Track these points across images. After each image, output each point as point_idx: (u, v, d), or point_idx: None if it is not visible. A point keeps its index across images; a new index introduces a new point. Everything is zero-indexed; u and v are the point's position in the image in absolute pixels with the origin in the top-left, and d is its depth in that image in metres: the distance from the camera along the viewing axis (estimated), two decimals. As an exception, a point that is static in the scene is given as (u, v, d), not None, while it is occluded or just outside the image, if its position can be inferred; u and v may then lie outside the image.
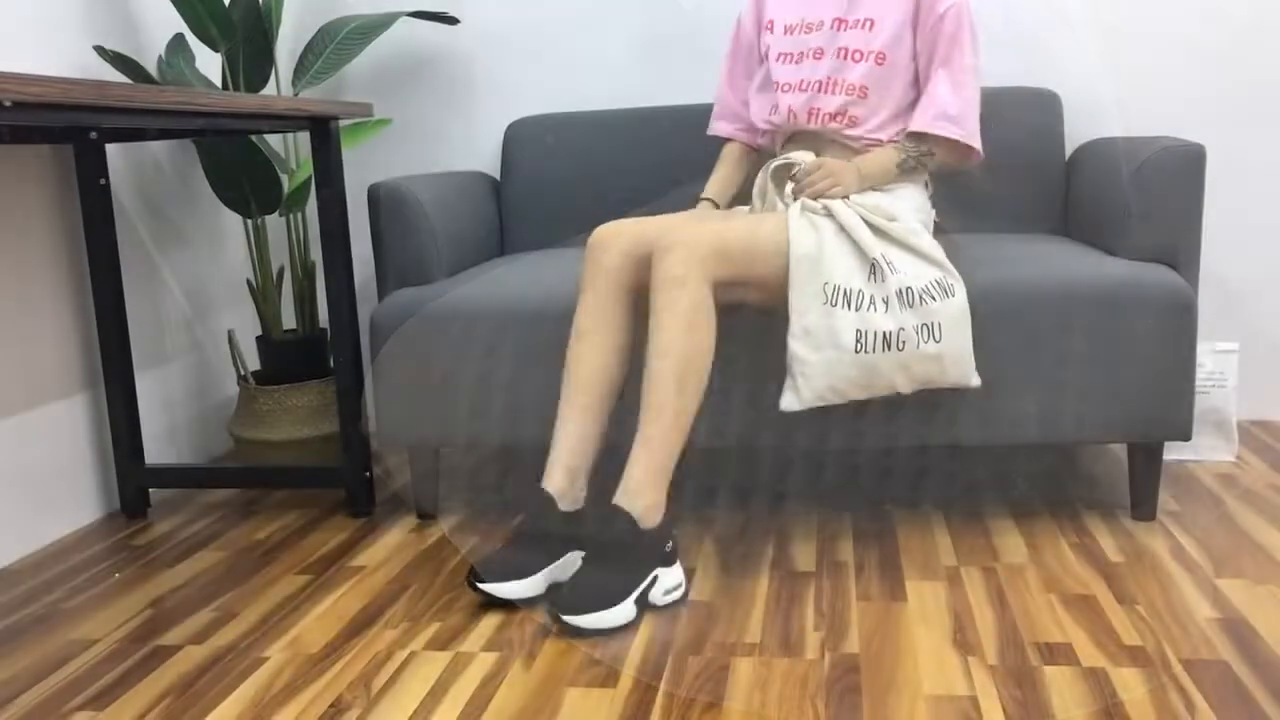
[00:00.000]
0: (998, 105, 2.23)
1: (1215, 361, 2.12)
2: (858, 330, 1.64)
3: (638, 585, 1.54)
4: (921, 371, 1.68)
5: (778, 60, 1.89)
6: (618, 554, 1.54)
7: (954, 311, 1.67)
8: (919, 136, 1.80)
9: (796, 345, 1.66)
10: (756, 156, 2.04)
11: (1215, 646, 1.39)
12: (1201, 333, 2.44)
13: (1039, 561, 1.69)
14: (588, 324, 1.69)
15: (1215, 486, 2.02)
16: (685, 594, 1.61)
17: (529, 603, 1.60)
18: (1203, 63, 2.35)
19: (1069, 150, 2.36)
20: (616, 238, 1.71)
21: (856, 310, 1.64)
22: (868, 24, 1.80)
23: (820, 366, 1.65)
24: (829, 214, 1.70)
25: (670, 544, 1.59)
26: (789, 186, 1.79)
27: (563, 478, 1.65)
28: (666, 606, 1.58)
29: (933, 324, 1.66)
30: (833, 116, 1.82)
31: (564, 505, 1.64)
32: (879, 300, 1.65)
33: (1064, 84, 2.39)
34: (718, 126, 2.05)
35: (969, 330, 1.69)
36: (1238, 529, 1.80)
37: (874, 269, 1.65)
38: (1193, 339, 1.74)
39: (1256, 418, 2.45)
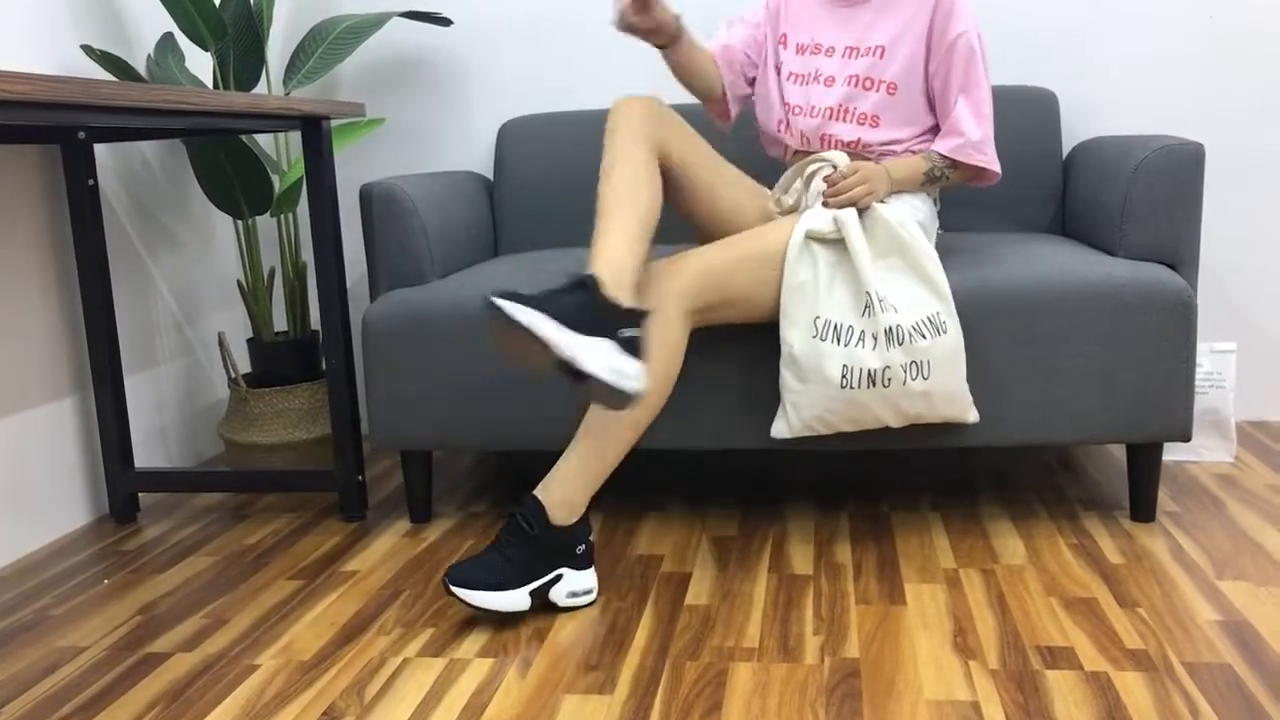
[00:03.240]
0: (995, 104, 2.22)
1: (1213, 362, 2.11)
2: (844, 366, 1.65)
3: (536, 578, 1.55)
4: (910, 408, 1.69)
5: (789, 79, 1.88)
6: (521, 542, 1.55)
7: (945, 350, 1.66)
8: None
9: (786, 373, 1.70)
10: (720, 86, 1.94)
11: (1218, 649, 1.37)
12: (1200, 333, 2.43)
13: (1038, 563, 1.68)
14: (613, 160, 1.65)
15: (1214, 487, 2.01)
16: (595, 600, 1.61)
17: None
18: (1201, 61, 2.34)
19: (1066, 149, 2.35)
20: (641, 105, 1.68)
21: (844, 346, 1.65)
22: (879, 51, 1.80)
23: (807, 398, 1.68)
24: (839, 235, 1.67)
25: (583, 547, 1.59)
26: (814, 185, 1.76)
27: (606, 268, 1.51)
28: (571, 609, 1.59)
29: (921, 362, 1.66)
30: (846, 144, 1.81)
31: (610, 290, 1.47)
32: (868, 335, 1.65)
33: (1060, 82, 2.38)
34: (713, 49, 1.92)
35: (962, 368, 1.69)
36: (1238, 530, 1.79)
37: (868, 304, 1.65)
38: (1192, 339, 1.73)
39: (1255, 418, 2.44)
